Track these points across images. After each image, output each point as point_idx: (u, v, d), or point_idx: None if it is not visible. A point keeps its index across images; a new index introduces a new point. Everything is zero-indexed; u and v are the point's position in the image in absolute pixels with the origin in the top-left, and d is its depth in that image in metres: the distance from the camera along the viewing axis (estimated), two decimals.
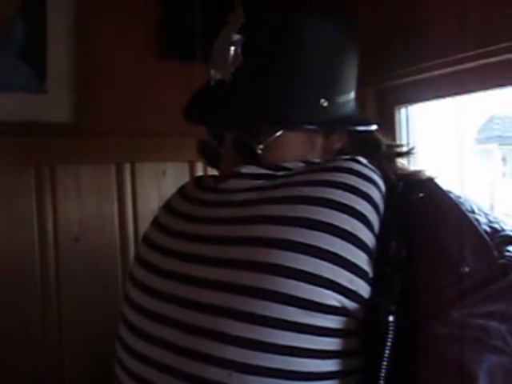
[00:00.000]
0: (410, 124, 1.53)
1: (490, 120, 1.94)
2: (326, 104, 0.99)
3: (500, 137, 1.93)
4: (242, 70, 0.96)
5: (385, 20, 1.39)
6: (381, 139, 1.08)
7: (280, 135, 0.98)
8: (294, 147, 1.00)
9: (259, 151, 0.97)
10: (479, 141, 1.92)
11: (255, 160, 0.98)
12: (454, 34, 1.22)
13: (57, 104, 1.49)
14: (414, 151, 1.10)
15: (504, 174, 1.94)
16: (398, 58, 1.35)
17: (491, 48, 1.15)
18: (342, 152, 1.03)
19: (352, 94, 1.05)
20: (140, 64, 1.59)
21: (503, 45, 1.12)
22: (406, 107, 1.52)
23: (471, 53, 1.20)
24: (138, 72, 1.58)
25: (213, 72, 1.00)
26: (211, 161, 1.08)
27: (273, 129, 0.97)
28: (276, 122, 0.98)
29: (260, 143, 0.97)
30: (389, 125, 1.50)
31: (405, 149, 1.11)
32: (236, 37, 0.97)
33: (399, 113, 1.52)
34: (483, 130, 1.93)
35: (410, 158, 1.10)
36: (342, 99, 1.02)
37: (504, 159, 1.94)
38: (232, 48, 0.97)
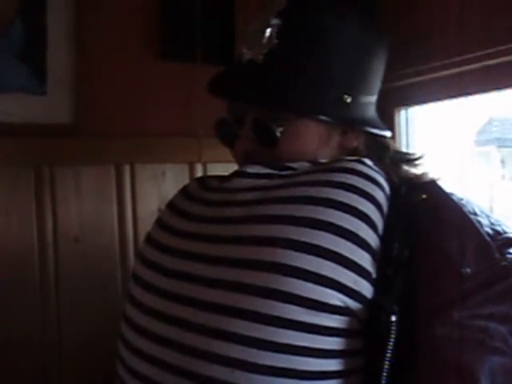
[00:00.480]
0: (410, 126, 1.53)
1: (489, 122, 1.95)
2: (349, 100, 1.00)
3: (499, 139, 1.94)
4: (275, 52, 0.98)
5: (385, 22, 1.39)
6: (390, 144, 1.09)
7: (300, 123, 0.99)
8: (311, 137, 1.01)
9: (278, 134, 0.98)
10: (478, 143, 1.92)
11: (272, 144, 0.99)
12: (454, 36, 1.22)
13: (56, 105, 1.49)
14: (421, 160, 1.10)
15: (503, 177, 1.94)
16: (399, 59, 1.35)
17: (492, 50, 1.15)
18: (355, 152, 1.04)
19: (374, 98, 1.07)
20: (140, 65, 1.59)
21: (504, 47, 1.13)
22: (406, 109, 1.53)
23: (472, 55, 1.20)
24: (137, 73, 1.58)
25: (244, 51, 1.01)
26: (226, 140, 1.09)
27: (294, 115, 0.99)
28: (299, 109, 1.00)
29: (280, 127, 0.98)
30: (388, 127, 1.50)
31: (412, 157, 1.11)
32: (274, 20, 0.99)
33: (399, 115, 1.52)
34: (482, 132, 1.93)
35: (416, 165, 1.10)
36: (365, 100, 1.04)
37: (503, 161, 1.95)
38: (268, 30, 0.98)
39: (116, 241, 1.56)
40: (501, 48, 1.13)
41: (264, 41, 0.98)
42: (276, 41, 0.98)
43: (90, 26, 1.52)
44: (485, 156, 1.98)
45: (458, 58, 1.23)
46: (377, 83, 1.07)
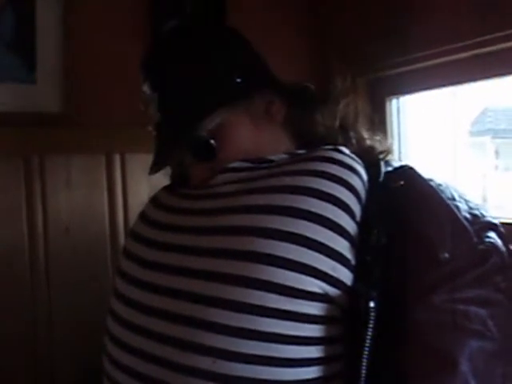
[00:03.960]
0: (401, 115, 1.52)
1: (484, 112, 1.94)
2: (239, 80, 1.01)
3: (493, 130, 1.94)
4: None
5: (376, 11, 1.39)
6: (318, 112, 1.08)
7: (222, 122, 0.99)
8: (243, 132, 1.02)
9: (212, 142, 0.99)
10: (472, 133, 1.92)
11: (212, 155, 1.00)
12: (447, 24, 1.22)
13: (46, 94, 1.49)
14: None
15: (497, 167, 1.95)
16: (390, 48, 1.34)
17: (483, 38, 1.15)
18: (285, 124, 1.05)
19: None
20: (130, 54, 1.58)
21: (495, 35, 1.12)
22: (397, 98, 1.52)
23: (463, 43, 1.19)
24: (128, 62, 1.57)
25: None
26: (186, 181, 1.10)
27: (212, 116, 0.99)
28: (202, 111, 0.99)
29: (209, 134, 0.99)
30: (380, 116, 1.50)
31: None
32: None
33: (390, 104, 1.52)
34: (477, 123, 1.93)
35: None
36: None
37: (497, 152, 1.95)
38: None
39: (107, 231, 1.56)
40: (491, 36, 1.13)
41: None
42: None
43: (80, 15, 1.51)
44: (479, 146, 1.98)
45: (449, 47, 1.23)
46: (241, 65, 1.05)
